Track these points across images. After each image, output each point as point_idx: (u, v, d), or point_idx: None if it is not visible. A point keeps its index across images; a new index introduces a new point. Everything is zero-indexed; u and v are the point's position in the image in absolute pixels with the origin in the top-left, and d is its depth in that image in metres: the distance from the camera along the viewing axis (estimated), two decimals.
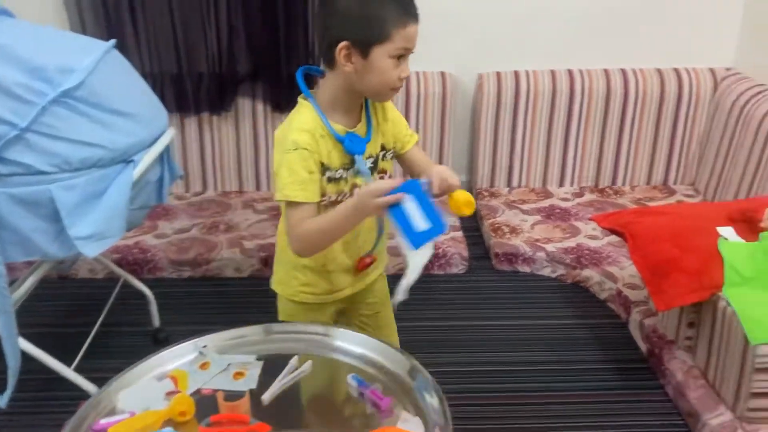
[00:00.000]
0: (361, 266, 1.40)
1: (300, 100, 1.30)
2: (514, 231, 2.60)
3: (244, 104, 2.81)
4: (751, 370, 1.58)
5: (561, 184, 2.93)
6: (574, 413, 1.84)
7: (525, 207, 2.78)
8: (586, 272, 2.37)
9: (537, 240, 2.53)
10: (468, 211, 1.24)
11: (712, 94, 2.78)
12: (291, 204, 1.24)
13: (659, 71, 2.81)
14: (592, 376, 1.98)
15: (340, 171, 1.29)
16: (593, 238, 2.50)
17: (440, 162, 2.86)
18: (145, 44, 2.69)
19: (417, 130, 2.80)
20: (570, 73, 2.81)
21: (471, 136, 2.99)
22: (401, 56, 1.22)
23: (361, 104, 1.33)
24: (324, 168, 1.27)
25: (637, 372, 1.98)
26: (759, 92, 2.54)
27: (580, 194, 2.87)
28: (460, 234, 2.59)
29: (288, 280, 1.42)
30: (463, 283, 2.46)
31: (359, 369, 1.17)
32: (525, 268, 2.50)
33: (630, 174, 2.91)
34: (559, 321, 2.24)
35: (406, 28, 1.21)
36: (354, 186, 1.32)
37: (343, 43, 1.20)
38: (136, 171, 1.64)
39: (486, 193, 2.89)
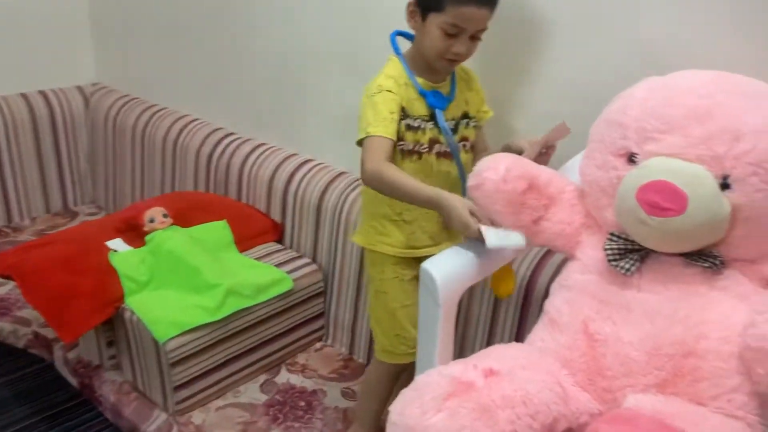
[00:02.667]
0: None
1: (389, 56, 1.39)
2: None
3: None
4: (168, 366, 1.65)
5: None
6: None
7: None
8: None
9: None
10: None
11: (85, 110, 2.78)
12: (371, 138, 1.29)
13: (25, 96, 2.67)
14: None
15: (419, 121, 1.36)
16: None
17: None
18: None
19: None
20: None
21: None
22: (455, 33, 1.27)
23: None
24: (404, 114, 1.34)
25: (75, 410, 1.89)
26: (126, 102, 2.65)
27: None
28: None
29: (366, 230, 1.48)
30: None
31: None
32: None
33: (26, 207, 2.70)
34: None
35: (462, 7, 1.25)
36: (435, 142, 1.38)
37: (411, 0, 1.33)
38: None
39: None
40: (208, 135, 2.32)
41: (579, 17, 1.42)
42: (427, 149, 1.38)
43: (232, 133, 2.30)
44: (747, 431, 0.97)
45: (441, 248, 1.35)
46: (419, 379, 1.06)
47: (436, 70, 1.37)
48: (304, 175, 2.03)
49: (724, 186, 1.01)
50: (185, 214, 1.96)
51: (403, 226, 1.43)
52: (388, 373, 1.54)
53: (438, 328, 1.13)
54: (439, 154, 1.41)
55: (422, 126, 1.37)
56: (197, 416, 1.70)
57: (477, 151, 1.48)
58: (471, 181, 1.18)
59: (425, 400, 0.99)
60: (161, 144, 2.43)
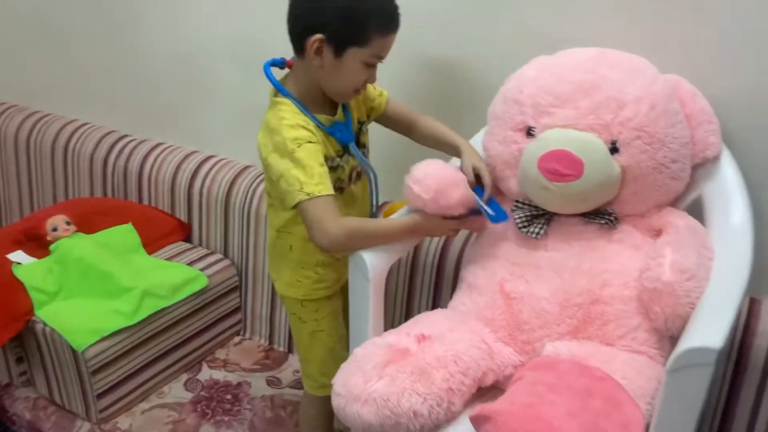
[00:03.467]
0: None
1: (274, 98, 1.25)
2: None
3: None
4: (89, 374, 1.62)
5: None
6: None
7: None
8: None
9: None
10: None
11: None
12: (315, 199, 1.15)
13: None
14: None
15: (337, 160, 1.27)
16: None
17: None
18: None
19: None
20: None
21: None
22: (374, 63, 1.20)
23: None
24: (325, 158, 1.21)
25: None
26: (3, 111, 2.51)
27: None
28: None
29: (298, 282, 1.37)
30: None
31: None
32: None
33: None
34: None
35: (386, 37, 1.19)
36: (352, 171, 1.32)
37: (317, 36, 1.16)
38: None
39: None
40: (101, 139, 2.25)
41: (469, 3, 1.51)
42: (347, 182, 1.33)
43: (126, 135, 2.25)
44: (650, 363, 1.10)
45: None
46: (357, 351, 1.13)
47: (329, 102, 1.28)
48: (208, 171, 2.03)
49: (614, 150, 1.14)
50: (89, 220, 1.91)
51: (337, 264, 1.36)
52: (327, 404, 1.35)
53: (369, 302, 1.20)
54: (355, 180, 1.36)
55: (340, 163, 1.29)
56: (123, 421, 1.68)
57: (407, 123, 1.41)
58: (417, 188, 1.20)
59: (366, 370, 1.06)
60: (50, 152, 2.34)
